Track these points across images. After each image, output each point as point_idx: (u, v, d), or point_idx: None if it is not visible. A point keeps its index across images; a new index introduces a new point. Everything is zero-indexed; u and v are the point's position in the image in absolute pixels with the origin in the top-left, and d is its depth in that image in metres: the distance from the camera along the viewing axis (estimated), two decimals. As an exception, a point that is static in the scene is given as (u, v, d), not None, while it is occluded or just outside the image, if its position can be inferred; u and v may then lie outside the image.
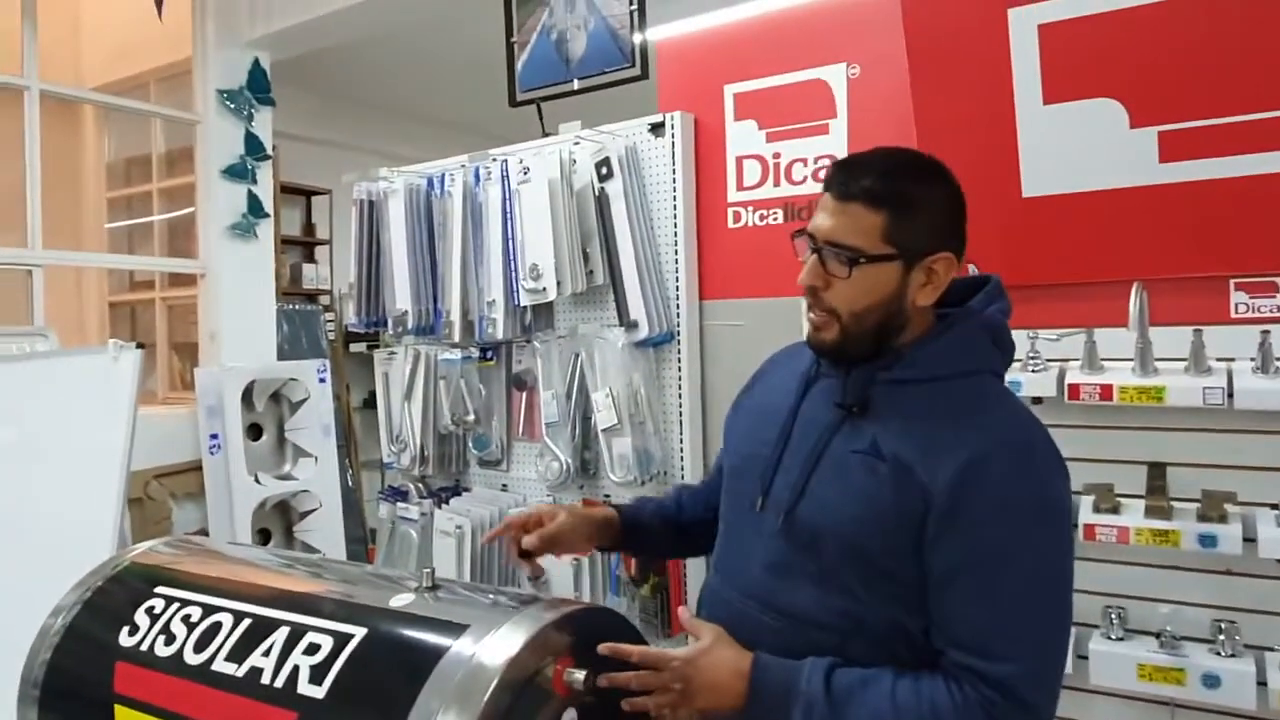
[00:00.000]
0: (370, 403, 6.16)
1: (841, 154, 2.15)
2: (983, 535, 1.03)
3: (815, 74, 2.20)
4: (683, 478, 2.31)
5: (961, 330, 1.16)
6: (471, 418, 2.63)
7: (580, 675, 0.99)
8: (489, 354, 2.63)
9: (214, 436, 3.59)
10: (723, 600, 1.22)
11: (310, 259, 6.08)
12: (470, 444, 2.68)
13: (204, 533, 3.48)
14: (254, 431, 3.72)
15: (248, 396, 3.61)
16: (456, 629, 1.01)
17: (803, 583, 1.12)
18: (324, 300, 5.92)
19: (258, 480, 3.60)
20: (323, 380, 3.81)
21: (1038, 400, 1.85)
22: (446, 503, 2.67)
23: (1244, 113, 1.60)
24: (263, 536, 3.61)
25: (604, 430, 2.29)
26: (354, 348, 5.81)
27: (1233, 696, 1.67)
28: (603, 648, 1.04)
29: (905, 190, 1.11)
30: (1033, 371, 1.85)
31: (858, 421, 1.12)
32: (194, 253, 4.02)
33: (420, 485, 2.81)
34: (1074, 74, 1.75)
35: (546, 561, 2.32)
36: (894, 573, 1.07)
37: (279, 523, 3.76)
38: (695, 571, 2.27)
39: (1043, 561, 1.05)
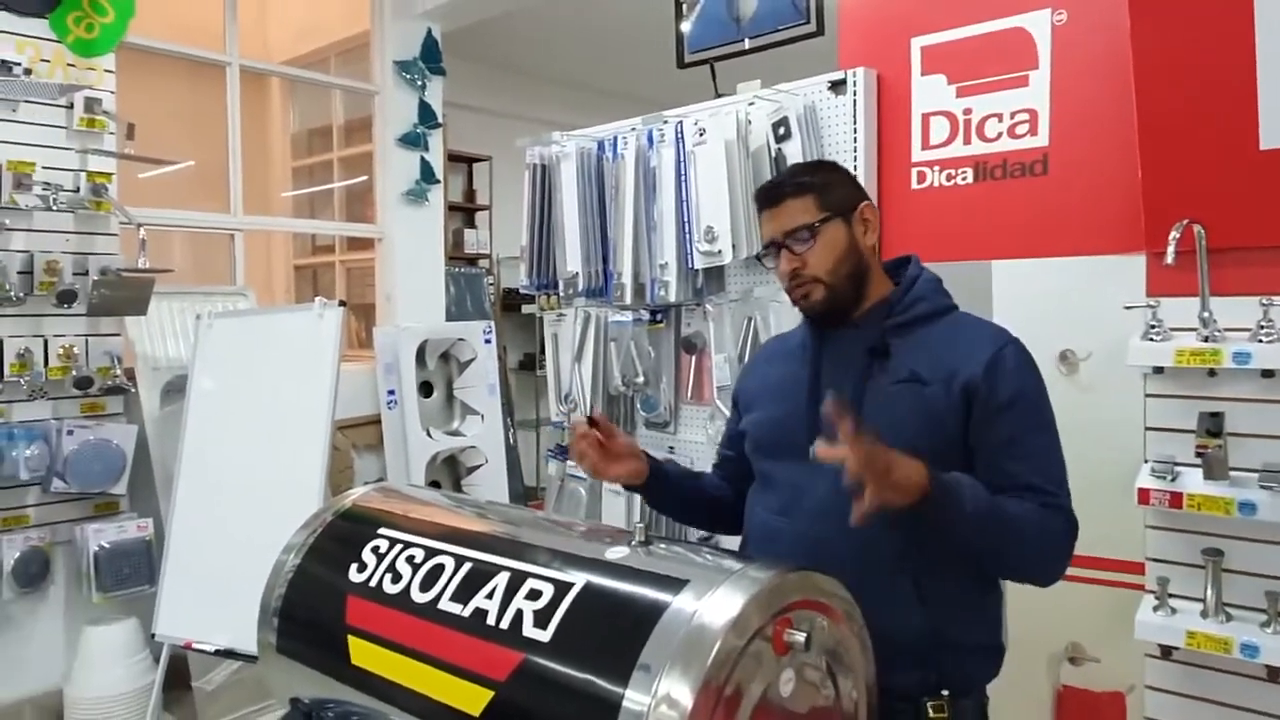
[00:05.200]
0: (525, 364, 6.37)
1: (1043, 108, 2.03)
2: (1015, 401, 1.32)
3: (1015, 22, 2.06)
4: (857, 445, 2.26)
5: (923, 281, 1.47)
6: (641, 379, 2.66)
7: (801, 637, 0.99)
8: (659, 316, 2.65)
9: (390, 392, 3.80)
10: (798, 534, 1.38)
11: (471, 224, 6.30)
12: (639, 405, 2.71)
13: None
14: (425, 389, 3.92)
15: (420, 355, 3.80)
16: (675, 584, 1.03)
17: None
18: (483, 264, 6.13)
19: (430, 435, 3.80)
20: (488, 341, 3.97)
21: (1269, 373, 1.69)
22: (614, 462, 2.72)
23: None
24: (434, 489, 3.81)
25: (778, 395, 2.27)
26: (523, 310, 5.98)
27: None
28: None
29: (813, 177, 1.48)
30: (1264, 341, 1.69)
31: (884, 364, 1.38)
32: (371, 218, 4.24)
33: (588, 445, 2.87)
34: (1331, 10, 1.56)
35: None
36: (946, 467, 1.26)
37: (448, 476, 3.95)
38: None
39: (1054, 419, 1.36)
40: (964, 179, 2.17)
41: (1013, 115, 2.08)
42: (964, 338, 1.39)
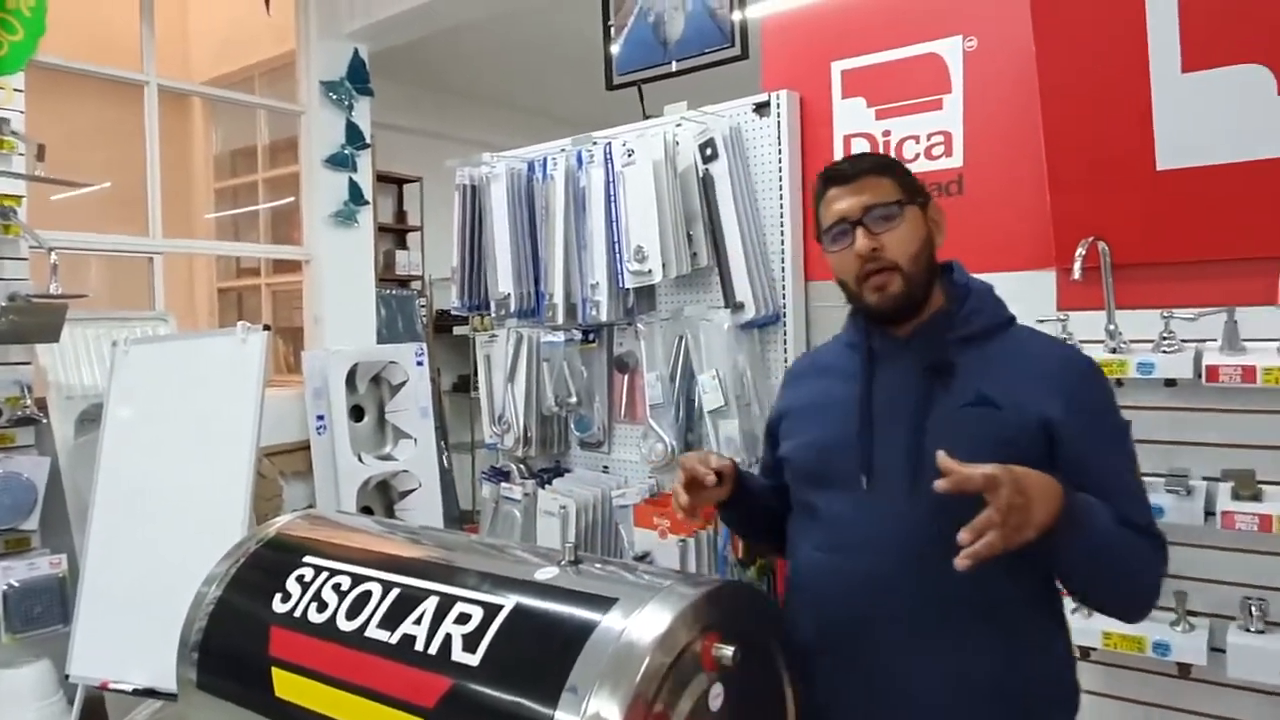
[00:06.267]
0: (460, 386, 6.30)
1: (956, 130, 2.10)
2: (1105, 435, 1.24)
3: (929, 48, 2.14)
4: (788, 460, 2.30)
5: (978, 291, 1.34)
6: (574, 399, 2.66)
7: (729, 651, 1.00)
8: (591, 336, 2.66)
9: (320, 417, 3.71)
10: (853, 571, 1.23)
11: (402, 245, 6.23)
12: (572, 425, 2.71)
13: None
14: (356, 413, 3.84)
15: (351, 379, 3.72)
16: (604, 603, 1.03)
17: (950, 533, 1.07)
18: (415, 285, 6.05)
19: (361, 460, 3.72)
20: (420, 363, 3.91)
21: (1171, 383, 1.78)
22: (549, 483, 2.71)
23: None
24: (366, 515, 3.73)
25: (710, 412, 2.29)
26: (456, 331, 5.91)
27: (1387, 695, 1.59)
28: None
29: (889, 161, 1.37)
30: (1165, 352, 1.77)
31: (947, 382, 1.24)
32: (298, 240, 4.16)
33: (522, 466, 2.85)
34: (1217, 39, 1.66)
35: (650, 543, 2.36)
36: None
37: (380, 502, 3.87)
38: (801, 554, 2.26)
39: (1131, 437, 1.28)
40: (885, 198, 2.23)
41: (929, 137, 2.15)
42: (1032, 357, 1.27)
